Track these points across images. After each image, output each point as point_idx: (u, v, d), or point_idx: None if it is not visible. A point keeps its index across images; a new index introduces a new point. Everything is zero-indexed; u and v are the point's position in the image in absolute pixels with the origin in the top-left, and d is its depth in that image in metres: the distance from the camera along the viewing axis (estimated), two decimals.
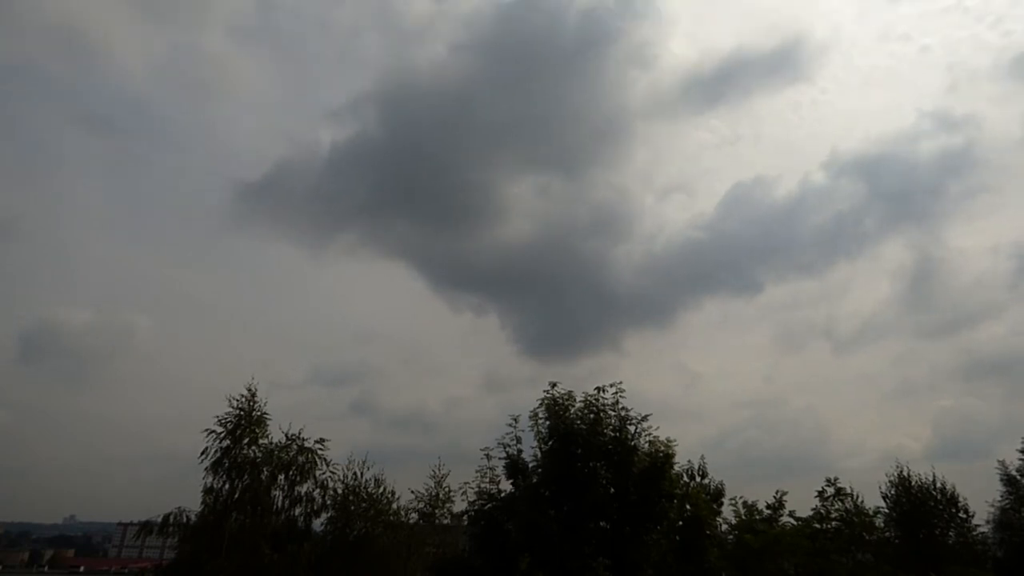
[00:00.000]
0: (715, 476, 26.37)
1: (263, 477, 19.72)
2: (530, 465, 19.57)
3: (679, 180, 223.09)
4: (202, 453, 19.54)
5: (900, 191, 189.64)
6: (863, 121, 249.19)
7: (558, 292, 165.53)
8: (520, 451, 19.79)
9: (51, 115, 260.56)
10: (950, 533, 27.44)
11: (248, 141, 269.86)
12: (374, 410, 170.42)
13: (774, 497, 24.52)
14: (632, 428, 19.43)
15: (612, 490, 18.81)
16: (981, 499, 29.02)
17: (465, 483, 20.42)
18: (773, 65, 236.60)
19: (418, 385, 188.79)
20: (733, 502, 24.45)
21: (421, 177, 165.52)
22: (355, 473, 21.70)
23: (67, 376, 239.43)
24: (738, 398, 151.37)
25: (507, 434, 19.89)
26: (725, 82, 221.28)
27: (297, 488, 20.44)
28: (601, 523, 18.75)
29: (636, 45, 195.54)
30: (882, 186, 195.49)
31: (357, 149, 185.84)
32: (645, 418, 19.64)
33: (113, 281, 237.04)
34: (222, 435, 19.73)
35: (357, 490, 21.38)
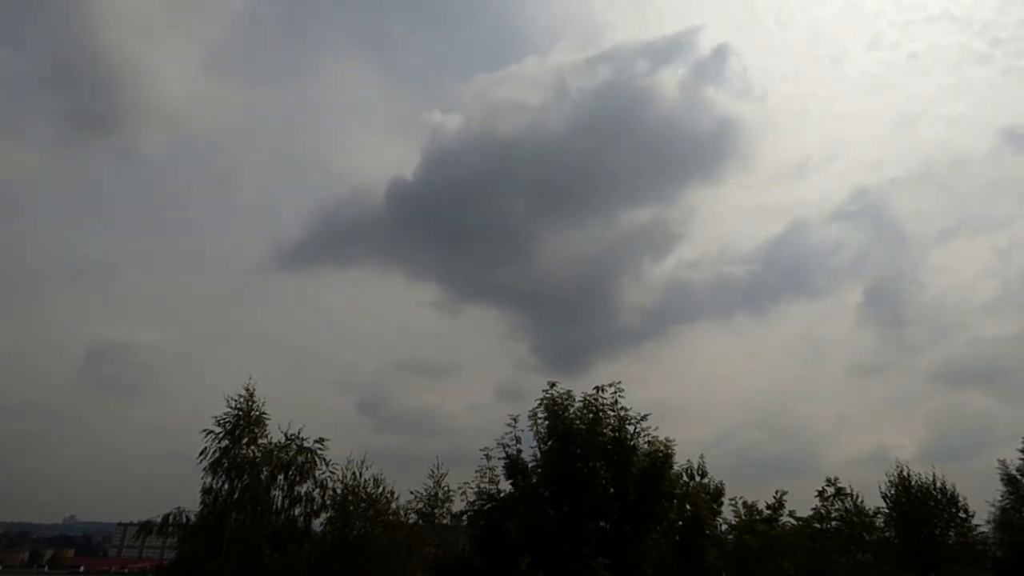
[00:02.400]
0: (714, 476, 26.42)
1: (262, 477, 19.70)
2: (530, 465, 19.55)
3: (710, 228, 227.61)
4: (201, 453, 19.54)
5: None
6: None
7: (580, 311, 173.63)
8: (520, 451, 19.77)
9: (138, 180, 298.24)
10: (950, 533, 27.43)
11: (302, 190, 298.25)
12: (394, 417, 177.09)
13: (774, 497, 24.56)
14: (631, 428, 19.42)
15: (612, 490, 18.81)
16: (971, 499, 28.99)
17: (465, 483, 20.42)
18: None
19: (437, 393, 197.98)
20: (733, 502, 24.49)
21: (462, 216, 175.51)
22: (354, 473, 21.71)
23: (114, 387, 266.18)
24: (739, 403, 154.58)
25: (506, 434, 19.88)
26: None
27: (297, 488, 20.41)
28: (601, 523, 18.75)
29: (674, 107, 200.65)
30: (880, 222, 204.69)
31: (400, 193, 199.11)
32: (644, 418, 19.63)
33: (182, 310, 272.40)
34: (220, 435, 19.74)
35: (356, 490, 21.37)
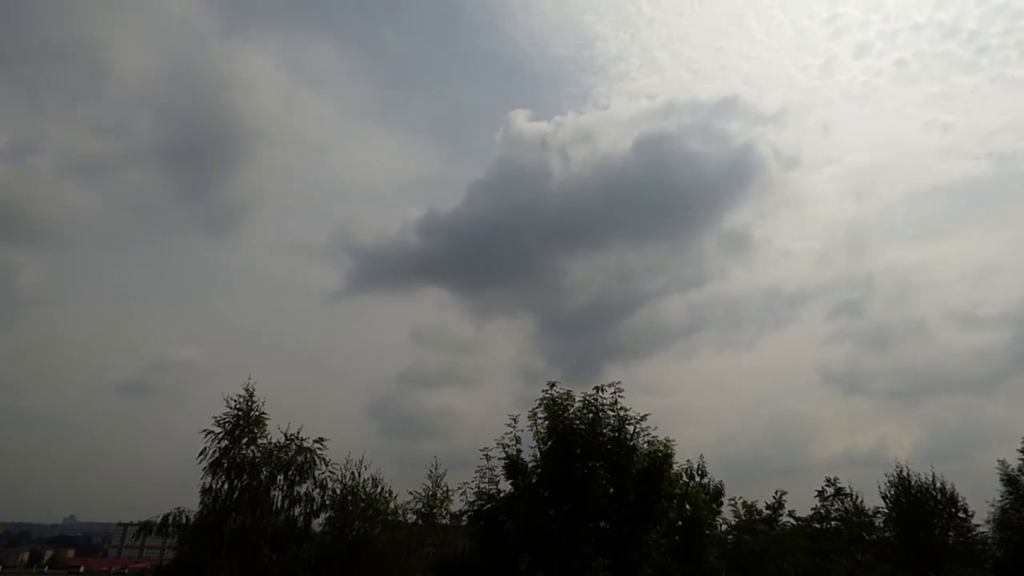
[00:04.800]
0: (714, 476, 26.41)
1: (262, 477, 19.71)
2: (529, 465, 19.52)
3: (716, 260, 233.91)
4: (200, 453, 19.55)
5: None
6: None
7: (595, 327, 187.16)
8: (519, 451, 19.70)
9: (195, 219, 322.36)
10: (949, 533, 27.43)
11: (341, 219, 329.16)
12: (413, 422, 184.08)
13: (773, 497, 24.58)
14: (631, 428, 19.37)
15: (611, 490, 18.76)
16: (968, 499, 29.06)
17: (464, 483, 20.40)
18: None
19: (455, 399, 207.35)
20: (732, 503, 24.49)
21: (500, 249, 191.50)
22: (353, 473, 21.72)
23: (131, 395, 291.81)
24: (740, 409, 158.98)
25: (506, 434, 19.83)
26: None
27: (296, 488, 20.44)
28: (600, 523, 18.71)
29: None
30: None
31: (437, 224, 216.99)
32: (644, 418, 19.58)
33: (233, 333, 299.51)
34: (220, 435, 19.74)
35: (355, 490, 21.39)
